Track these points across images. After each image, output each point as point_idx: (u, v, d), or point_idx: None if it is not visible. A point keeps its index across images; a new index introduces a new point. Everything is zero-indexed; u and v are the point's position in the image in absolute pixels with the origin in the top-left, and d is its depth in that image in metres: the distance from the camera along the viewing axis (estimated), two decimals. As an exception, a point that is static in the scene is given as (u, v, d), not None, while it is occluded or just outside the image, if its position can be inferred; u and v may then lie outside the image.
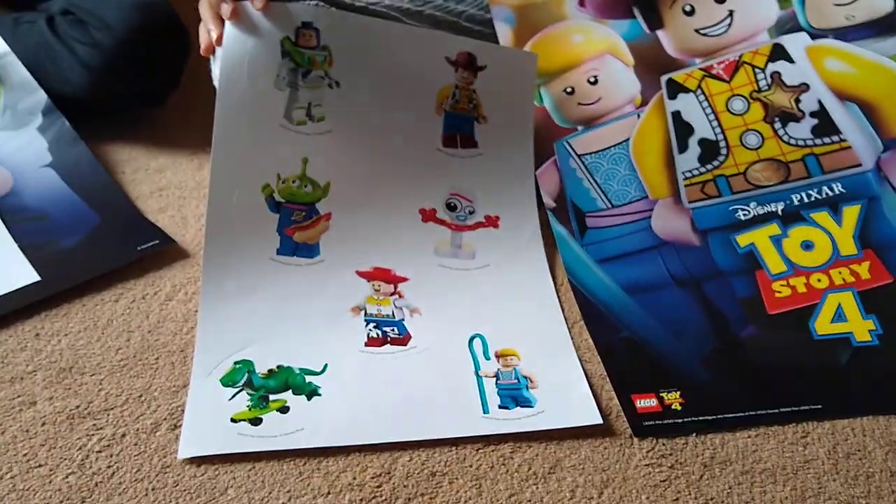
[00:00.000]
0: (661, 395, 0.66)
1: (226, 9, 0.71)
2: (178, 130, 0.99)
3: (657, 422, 0.64)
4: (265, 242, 0.73)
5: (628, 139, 0.82)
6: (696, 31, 0.83)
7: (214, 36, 0.71)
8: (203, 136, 0.73)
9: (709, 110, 0.80)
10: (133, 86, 0.93)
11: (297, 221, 0.74)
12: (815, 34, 0.81)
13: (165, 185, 0.89)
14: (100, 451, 0.60)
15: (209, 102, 0.71)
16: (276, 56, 0.73)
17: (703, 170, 0.79)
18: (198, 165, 0.93)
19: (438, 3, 0.94)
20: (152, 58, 0.91)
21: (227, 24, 0.71)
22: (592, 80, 0.84)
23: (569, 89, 0.84)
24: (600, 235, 0.79)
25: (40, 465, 0.59)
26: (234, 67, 0.71)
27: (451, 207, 0.79)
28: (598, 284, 0.76)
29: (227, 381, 0.66)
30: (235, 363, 0.67)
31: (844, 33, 0.80)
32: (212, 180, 0.71)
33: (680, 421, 0.65)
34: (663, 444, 0.63)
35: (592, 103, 0.84)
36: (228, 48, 0.71)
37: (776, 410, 0.66)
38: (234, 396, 0.64)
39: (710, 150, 0.79)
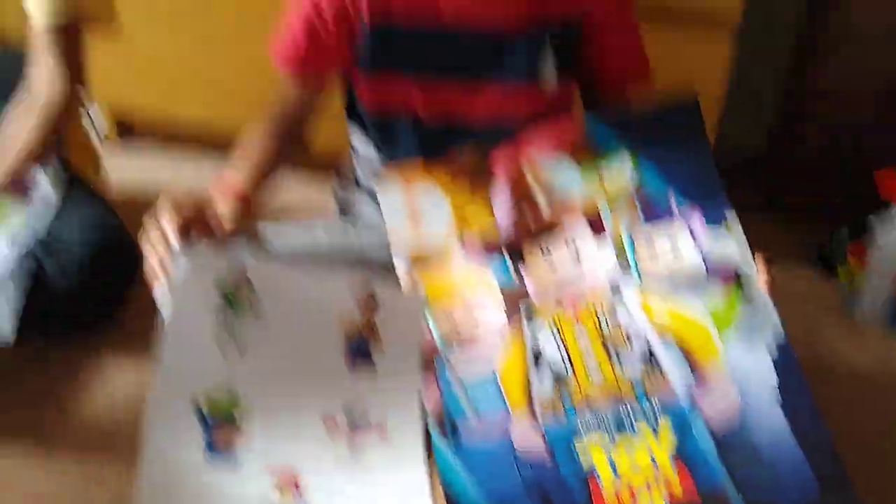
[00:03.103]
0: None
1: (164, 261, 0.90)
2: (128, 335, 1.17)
3: None
4: (192, 451, 0.90)
5: (495, 361, 1.01)
6: (552, 273, 1.04)
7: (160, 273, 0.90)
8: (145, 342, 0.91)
9: (560, 342, 1.00)
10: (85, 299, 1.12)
11: (219, 428, 0.91)
12: (643, 281, 1.02)
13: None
14: None
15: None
16: (214, 294, 0.91)
17: (553, 392, 0.98)
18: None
19: (350, 240, 1.15)
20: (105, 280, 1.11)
21: (179, 272, 0.90)
22: (468, 310, 1.04)
23: (450, 316, 1.04)
24: (470, 447, 0.97)
25: None
26: (181, 307, 0.89)
27: (348, 415, 0.97)
28: (461, 483, 0.93)
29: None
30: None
31: (666, 282, 1.02)
32: (152, 399, 0.88)
33: None
34: None
35: (469, 330, 1.03)
36: (175, 285, 0.90)
37: None
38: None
39: (559, 376, 0.99)
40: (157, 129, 1.82)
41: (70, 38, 1.23)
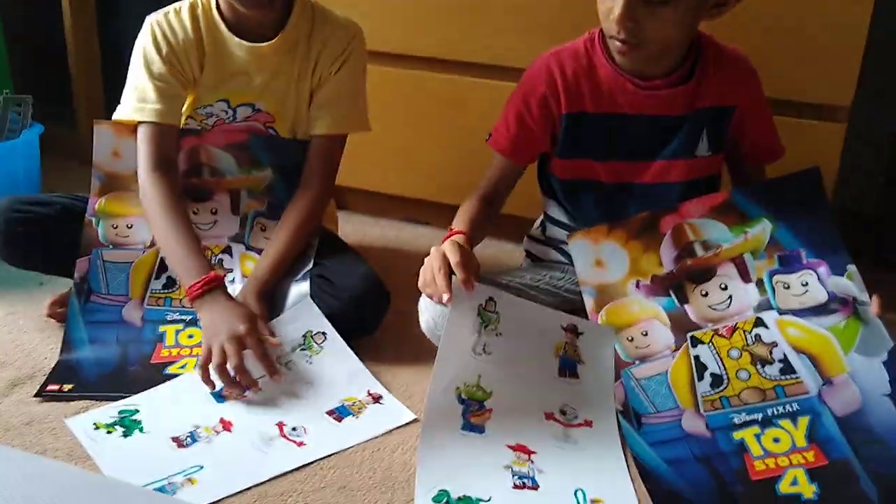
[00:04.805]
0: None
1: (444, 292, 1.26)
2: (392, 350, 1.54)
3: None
4: (454, 422, 1.26)
5: (667, 370, 1.34)
6: (709, 306, 1.37)
7: (446, 298, 1.25)
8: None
9: (716, 355, 1.33)
10: (355, 322, 1.50)
11: (472, 411, 1.27)
12: (781, 312, 1.34)
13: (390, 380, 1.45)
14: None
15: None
16: (474, 315, 1.29)
17: (712, 392, 1.30)
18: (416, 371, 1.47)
19: (547, 280, 1.51)
20: (370, 309, 1.50)
21: (455, 297, 1.25)
22: (644, 333, 1.37)
23: (630, 338, 1.38)
24: (651, 429, 1.30)
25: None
26: (454, 320, 1.26)
27: (563, 412, 1.31)
28: (650, 458, 1.25)
29: (436, 499, 1.17)
30: (439, 490, 1.18)
31: (799, 312, 1.34)
32: (432, 383, 1.25)
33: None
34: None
35: (645, 348, 1.37)
36: (454, 310, 1.26)
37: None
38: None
39: (717, 380, 1.31)
40: (366, 203, 2.23)
41: (336, 143, 1.63)
